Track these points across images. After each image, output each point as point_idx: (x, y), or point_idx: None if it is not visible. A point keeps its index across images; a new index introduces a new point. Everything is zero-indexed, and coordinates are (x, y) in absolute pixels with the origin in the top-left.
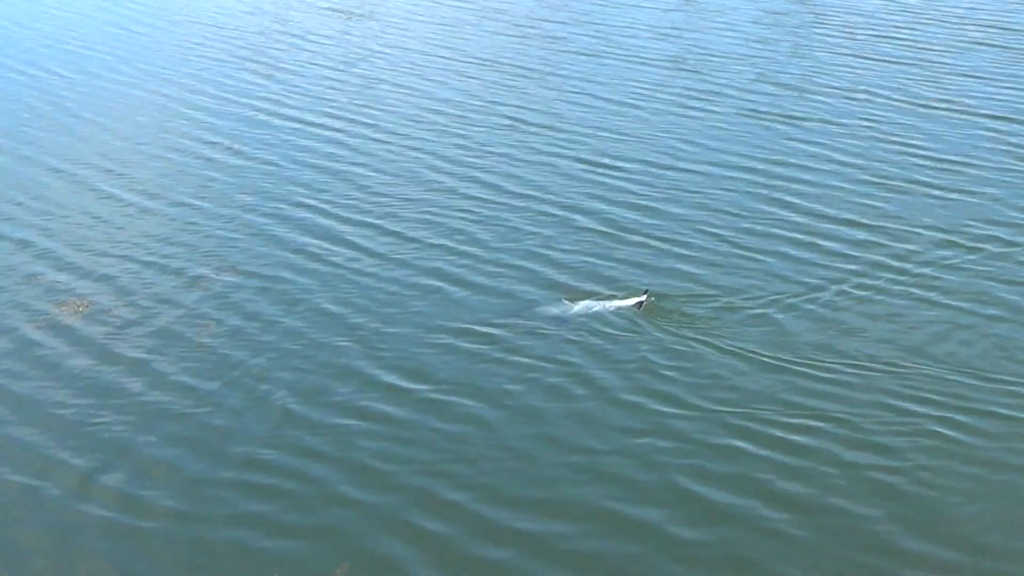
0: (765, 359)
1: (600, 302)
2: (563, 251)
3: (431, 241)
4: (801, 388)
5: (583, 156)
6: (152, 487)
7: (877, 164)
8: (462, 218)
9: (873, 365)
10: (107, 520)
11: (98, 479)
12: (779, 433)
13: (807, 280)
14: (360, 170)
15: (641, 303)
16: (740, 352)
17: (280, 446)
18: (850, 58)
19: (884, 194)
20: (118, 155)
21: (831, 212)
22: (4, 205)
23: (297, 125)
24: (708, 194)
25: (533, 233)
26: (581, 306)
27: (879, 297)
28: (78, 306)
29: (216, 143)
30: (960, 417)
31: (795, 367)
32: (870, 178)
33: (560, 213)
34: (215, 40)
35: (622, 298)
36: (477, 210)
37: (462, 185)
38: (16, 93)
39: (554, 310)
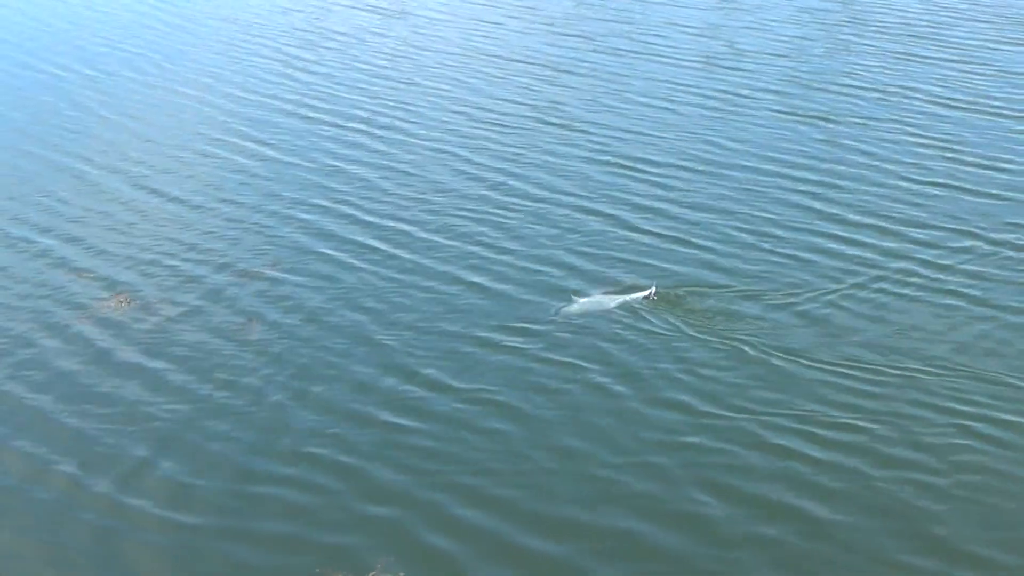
0: (795, 361)
1: (607, 296)
2: (590, 252)
3: (456, 242)
4: (835, 392)
5: (611, 157)
6: (194, 482)
7: (911, 164)
8: (488, 219)
9: (905, 368)
10: (153, 515)
11: (141, 474)
12: (808, 443)
13: (838, 281)
14: (388, 170)
15: (649, 295)
16: (773, 353)
17: (318, 443)
18: (886, 57)
19: (917, 194)
20: (156, 153)
21: (861, 212)
22: (45, 202)
23: (326, 125)
24: (736, 195)
25: (558, 233)
26: (590, 301)
27: (908, 299)
28: (121, 302)
29: (250, 142)
30: (1010, 418)
31: (829, 368)
32: (902, 178)
33: (587, 215)
34: (247, 38)
35: (629, 292)
36: (504, 211)
37: (489, 186)
38: (55, 92)
39: (567, 308)
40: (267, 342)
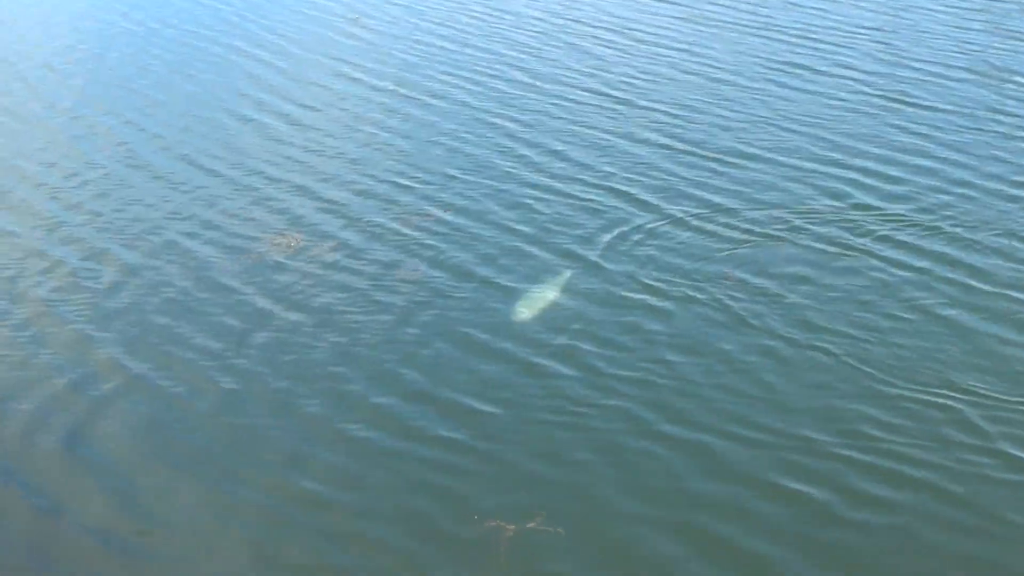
0: (857, 370)
1: (545, 286)
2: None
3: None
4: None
5: (665, 140)
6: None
7: (1001, 166)
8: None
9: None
10: (317, 463)
11: (306, 429)
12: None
13: (888, 291)
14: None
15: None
16: (824, 356)
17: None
18: (992, 37)
19: (996, 199)
20: (328, 99)
21: (931, 220)
22: (221, 148)
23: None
24: (787, 187)
25: (580, 224)
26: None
27: (967, 316)
28: (290, 242)
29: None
30: None
31: (908, 391)
32: (985, 183)
33: (623, 204)
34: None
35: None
36: (542, 195)
37: (534, 167)
38: (217, 48)
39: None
40: (426, 290)
